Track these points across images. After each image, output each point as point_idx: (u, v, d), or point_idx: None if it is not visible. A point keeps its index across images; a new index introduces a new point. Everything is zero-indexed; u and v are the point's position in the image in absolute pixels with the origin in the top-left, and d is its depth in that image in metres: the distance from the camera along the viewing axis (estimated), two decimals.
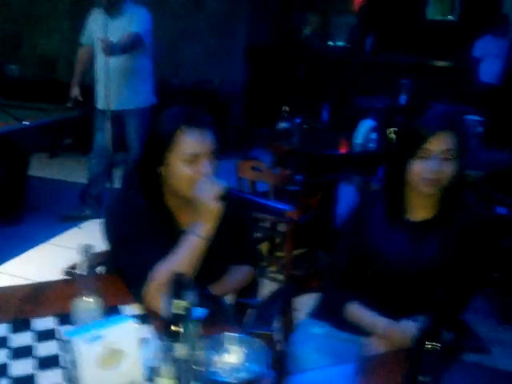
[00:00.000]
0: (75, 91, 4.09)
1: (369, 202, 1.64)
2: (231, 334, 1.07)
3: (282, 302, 1.73)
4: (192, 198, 1.42)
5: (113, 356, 1.06)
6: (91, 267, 1.19)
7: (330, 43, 7.73)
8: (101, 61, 3.82)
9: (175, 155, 1.43)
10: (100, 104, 3.98)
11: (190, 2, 6.79)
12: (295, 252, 2.95)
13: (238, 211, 1.59)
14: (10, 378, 1.13)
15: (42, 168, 5.07)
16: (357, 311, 1.56)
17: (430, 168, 1.42)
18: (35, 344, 1.25)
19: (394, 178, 1.54)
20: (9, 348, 1.23)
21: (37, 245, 3.69)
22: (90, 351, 1.03)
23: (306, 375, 1.40)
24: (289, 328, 1.74)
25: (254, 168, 3.00)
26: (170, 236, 1.49)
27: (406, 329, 1.47)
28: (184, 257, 1.41)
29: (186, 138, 1.42)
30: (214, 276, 1.62)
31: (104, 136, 4.04)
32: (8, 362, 1.18)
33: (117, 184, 4.43)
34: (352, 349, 1.55)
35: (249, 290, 1.75)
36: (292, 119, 3.66)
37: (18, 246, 3.58)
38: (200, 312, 1.41)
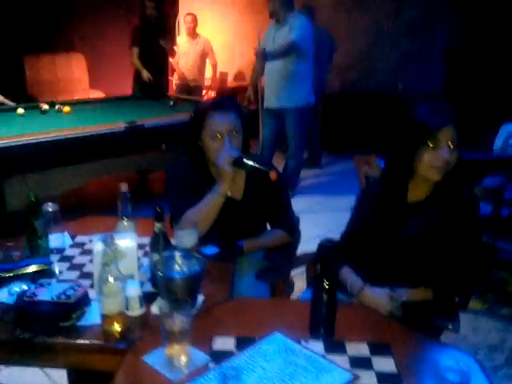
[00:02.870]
0: (249, 92, 4.84)
1: (371, 186, 1.84)
2: (181, 251, 1.51)
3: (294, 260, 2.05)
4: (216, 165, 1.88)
5: (117, 254, 1.59)
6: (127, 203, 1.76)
7: None
8: (266, 66, 4.48)
9: (205, 132, 1.91)
10: (265, 103, 4.63)
11: (391, 7, 6.99)
12: None
13: (268, 180, 1.96)
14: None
15: None
16: (345, 274, 1.79)
17: (441, 156, 1.59)
18: None
19: (400, 167, 1.69)
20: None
21: None
22: (101, 248, 1.58)
23: None
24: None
25: (365, 162, 3.23)
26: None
27: (376, 294, 1.65)
28: (204, 208, 1.89)
29: (211, 119, 1.89)
30: (247, 234, 2.03)
31: (267, 130, 4.69)
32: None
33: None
34: None
35: (281, 251, 2.10)
36: None
37: None
38: (211, 250, 1.87)
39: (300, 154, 4.81)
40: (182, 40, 6.08)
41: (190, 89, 5.73)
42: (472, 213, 1.64)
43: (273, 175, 1.77)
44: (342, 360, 1.26)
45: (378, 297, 1.65)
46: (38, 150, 3.40)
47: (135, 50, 5.37)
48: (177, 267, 1.49)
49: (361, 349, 1.31)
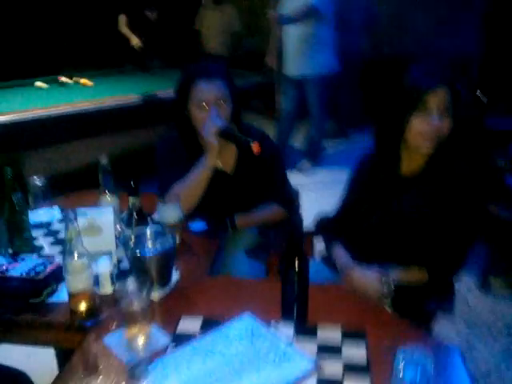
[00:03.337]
0: (267, 58, 4.68)
1: (363, 161, 1.72)
2: (152, 227, 1.44)
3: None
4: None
5: (94, 229, 1.54)
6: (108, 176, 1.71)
7: None
8: (285, 31, 4.30)
9: (191, 101, 1.81)
10: (284, 70, 4.46)
11: None
12: None
13: (266, 153, 1.86)
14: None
15: None
16: (336, 253, 1.68)
17: (430, 124, 1.45)
18: None
19: (390, 135, 1.57)
20: None
21: None
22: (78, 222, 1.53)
23: None
24: None
25: None
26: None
27: (366, 276, 1.54)
28: (191, 182, 1.81)
29: (197, 87, 1.79)
30: (241, 209, 1.94)
31: (287, 100, 4.54)
32: None
33: (296, 143, 4.92)
34: None
35: (278, 227, 2.01)
36: None
37: None
38: (199, 225, 1.81)
39: (321, 123, 4.65)
40: (205, 7, 5.93)
41: (211, 57, 5.61)
42: (469, 188, 1.49)
43: (255, 147, 1.66)
44: (310, 346, 1.18)
45: (368, 279, 1.54)
46: (54, 123, 3.40)
47: (122, 18, 5.28)
48: (148, 244, 1.43)
49: (333, 335, 1.21)
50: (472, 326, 2.50)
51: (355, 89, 5.64)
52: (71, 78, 4.39)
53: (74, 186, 2.15)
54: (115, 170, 1.83)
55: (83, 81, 4.37)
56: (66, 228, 1.29)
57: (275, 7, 4.20)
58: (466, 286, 2.77)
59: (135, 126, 3.86)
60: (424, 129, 1.45)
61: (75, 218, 1.30)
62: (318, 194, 3.89)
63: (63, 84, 4.31)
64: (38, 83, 4.23)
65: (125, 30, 5.29)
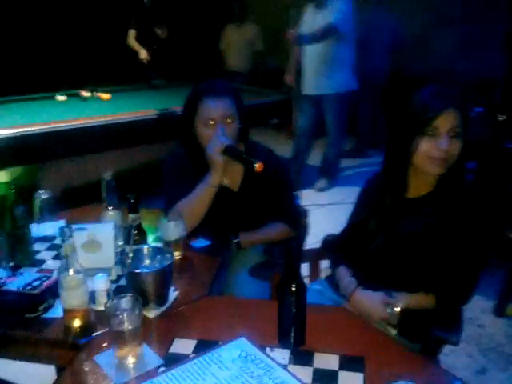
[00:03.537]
0: (286, 77, 4.67)
1: (372, 180, 1.67)
2: (151, 245, 1.42)
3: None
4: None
5: (93, 244, 1.53)
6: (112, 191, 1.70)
7: None
8: (304, 50, 4.29)
9: (198, 119, 1.80)
10: (303, 89, 4.45)
11: None
12: None
13: (273, 171, 1.83)
14: None
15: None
16: (340, 274, 1.63)
17: (438, 146, 1.41)
18: None
19: (397, 158, 1.52)
20: None
21: None
22: (77, 237, 1.52)
23: None
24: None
25: None
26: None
27: (370, 299, 1.49)
28: (195, 199, 1.78)
29: (204, 105, 1.77)
30: (246, 227, 1.91)
31: (304, 118, 4.52)
32: None
33: (314, 162, 4.88)
34: None
35: (282, 245, 1.96)
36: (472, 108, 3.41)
37: None
38: (201, 242, 1.78)
39: (338, 142, 4.60)
40: (228, 26, 5.99)
41: (232, 75, 5.64)
42: (479, 211, 1.43)
43: (259, 167, 1.63)
44: (305, 372, 1.13)
45: (372, 302, 1.49)
46: (74, 136, 3.42)
47: (132, 32, 5.35)
48: (145, 262, 1.41)
49: (330, 361, 1.16)
50: (485, 348, 2.40)
51: (376, 108, 5.60)
52: (91, 92, 4.46)
53: (84, 200, 2.15)
54: (122, 185, 1.82)
55: (102, 95, 4.42)
56: (63, 243, 1.28)
57: (295, 26, 4.19)
58: (479, 307, 2.68)
59: (148, 142, 3.87)
60: (432, 152, 1.40)
61: (71, 234, 1.29)
62: (331, 213, 3.84)
63: (84, 98, 4.36)
64: (59, 97, 4.30)
65: (133, 42, 5.36)
